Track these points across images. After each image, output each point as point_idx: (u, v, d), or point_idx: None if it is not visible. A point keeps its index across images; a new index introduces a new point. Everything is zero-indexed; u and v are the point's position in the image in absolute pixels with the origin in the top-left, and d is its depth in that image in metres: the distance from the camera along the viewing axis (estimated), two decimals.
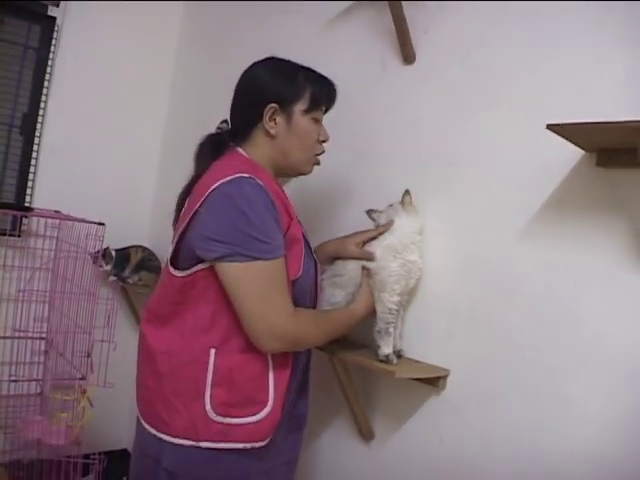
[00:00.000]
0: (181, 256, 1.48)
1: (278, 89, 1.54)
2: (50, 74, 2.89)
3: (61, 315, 2.59)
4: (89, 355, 2.41)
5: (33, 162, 2.87)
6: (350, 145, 2.09)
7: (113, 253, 2.77)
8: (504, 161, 1.64)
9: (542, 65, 1.58)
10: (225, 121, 1.66)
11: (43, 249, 2.81)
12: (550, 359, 1.48)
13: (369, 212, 1.79)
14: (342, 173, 2.11)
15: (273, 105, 1.52)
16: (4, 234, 2.69)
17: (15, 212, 2.64)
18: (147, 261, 2.88)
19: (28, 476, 2.64)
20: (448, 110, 1.81)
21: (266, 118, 1.53)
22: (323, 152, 1.64)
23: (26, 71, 2.88)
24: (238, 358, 1.44)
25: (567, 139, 1.34)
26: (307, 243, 1.64)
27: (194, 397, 1.42)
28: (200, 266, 1.43)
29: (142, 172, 3.27)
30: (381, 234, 1.72)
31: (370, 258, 1.70)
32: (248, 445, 1.43)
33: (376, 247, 1.71)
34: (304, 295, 1.55)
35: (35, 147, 2.88)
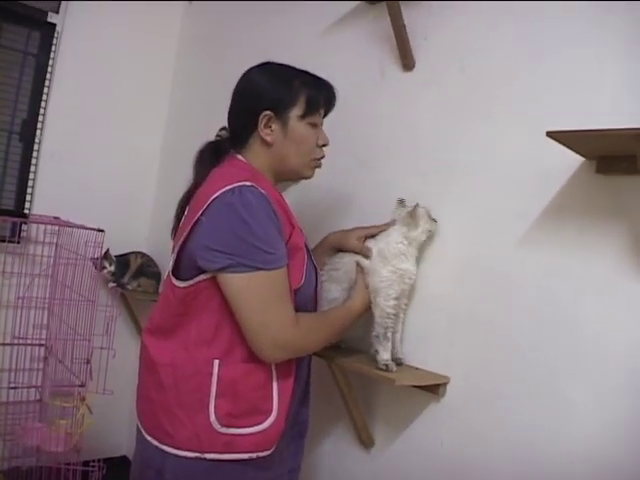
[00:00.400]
0: (183, 266, 1.46)
1: (272, 96, 1.52)
2: (50, 80, 2.89)
3: (60, 322, 2.59)
4: (88, 362, 2.41)
5: (32, 168, 2.87)
6: (349, 151, 2.09)
7: (114, 257, 2.77)
8: (504, 167, 1.64)
9: (541, 71, 1.58)
10: (224, 128, 1.65)
11: (42, 256, 2.81)
12: (550, 363, 1.48)
13: (400, 201, 1.74)
14: (341, 179, 2.11)
15: (268, 112, 1.51)
16: (3, 240, 2.68)
17: (14, 218, 2.64)
18: (146, 267, 2.88)
19: None
20: (447, 116, 1.81)
21: (261, 126, 1.51)
22: (323, 156, 1.63)
23: (26, 77, 2.88)
24: (242, 368, 1.43)
25: (567, 146, 1.34)
26: (308, 250, 1.64)
27: (198, 409, 1.41)
28: (202, 277, 1.42)
29: (142, 178, 3.26)
30: (380, 232, 1.73)
31: (367, 254, 1.70)
32: (254, 455, 1.42)
33: (373, 245, 1.71)
34: (306, 303, 1.55)
35: (34, 153, 2.87)
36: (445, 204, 1.76)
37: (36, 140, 2.87)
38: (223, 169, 1.51)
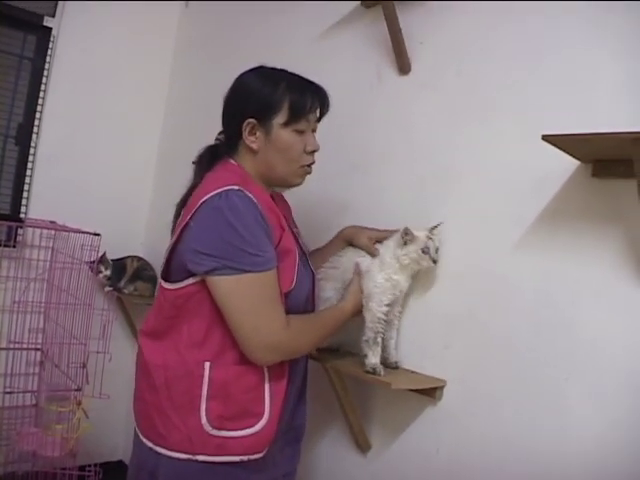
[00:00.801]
0: (173, 269, 1.47)
1: (255, 103, 1.50)
2: (45, 84, 2.89)
3: (56, 326, 2.59)
4: (84, 366, 2.41)
5: (28, 172, 2.86)
6: (345, 155, 2.09)
7: (110, 260, 2.76)
8: (500, 171, 1.64)
9: (538, 75, 1.58)
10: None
11: (38, 260, 2.80)
12: (547, 366, 1.48)
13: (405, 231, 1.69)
14: (337, 183, 2.11)
15: (251, 120, 1.50)
16: None
17: (10, 222, 2.63)
18: (142, 271, 2.88)
19: None
20: (443, 120, 1.81)
21: (245, 133, 1.51)
22: (312, 163, 1.59)
23: (21, 81, 2.87)
24: (233, 371, 1.43)
25: (563, 150, 1.35)
26: (304, 254, 1.64)
27: (190, 410, 1.41)
28: (191, 280, 1.43)
29: (138, 182, 3.26)
30: (386, 239, 1.74)
31: (375, 254, 1.71)
32: (245, 457, 1.42)
33: (380, 248, 1.72)
34: (298, 306, 1.54)
35: (30, 157, 2.86)
36: (441, 208, 1.76)
37: (32, 144, 2.87)
38: (216, 173, 1.51)
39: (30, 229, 2.78)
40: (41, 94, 2.88)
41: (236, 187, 1.39)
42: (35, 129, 2.87)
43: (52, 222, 2.78)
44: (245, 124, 1.50)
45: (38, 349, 2.76)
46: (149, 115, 3.29)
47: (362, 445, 1.89)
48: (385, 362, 1.69)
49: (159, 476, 1.44)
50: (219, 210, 1.36)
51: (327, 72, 2.16)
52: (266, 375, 1.46)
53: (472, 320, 1.65)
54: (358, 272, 1.71)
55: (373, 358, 1.64)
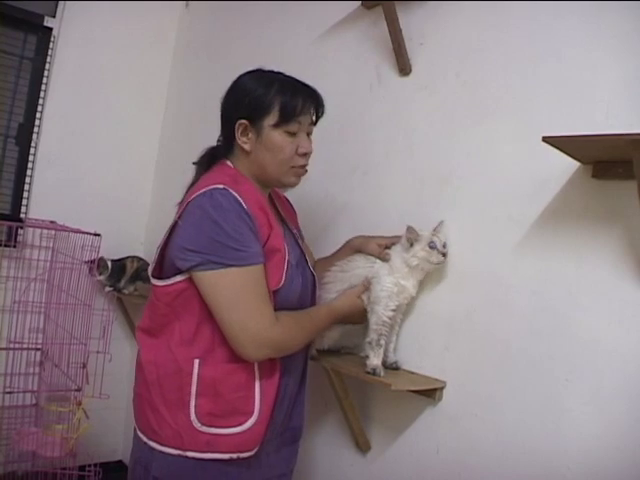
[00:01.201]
0: (165, 267, 1.50)
1: (247, 105, 1.51)
2: (46, 84, 2.89)
3: (56, 326, 2.59)
4: (84, 366, 2.41)
5: (29, 172, 2.86)
6: (345, 156, 2.09)
7: (109, 263, 2.76)
8: (500, 173, 1.65)
9: (537, 77, 1.58)
10: None
11: (39, 260, 2.81)
12: (546, 368, 1.48)
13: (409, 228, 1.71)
14: (337, 184, 2.11)
15: (242, 121, 1.52)
16: None
17: (11, 223, 2.64)
18: (142, 271, 2.87)
19: None
20: (444, 122, 1.81)
21: (237, 134, 1.53)
22: (304, 165, 1.58)
23: (22, 81, 2.88)
24: (222, 369, 1.44)
25: (563, 151, 1.35)
26: (303, 256, 1.66)
27: (180, 407, 1.43)
28: (179, 277, 1.45)
29: (138, 182, 3.26)
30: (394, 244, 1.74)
31: (386, 259, 1.71)
32: (234, 455, 1.43)
33: (390, 252, 1.73)
34: (289, 306, 1.54)
35: (31, 157, 2.87)
36: (441, 209, 1.76)
37: (32, 144, 2.87)
38: (209, 174, 1.54)
39: (30, 229, 2.79)
40: (41, 94, 2.88)
41: (221, 186, 1.41)
42: (35, 129, 2.88)
43: (52, 222, 2.78)
44: (237, 125, 1.52)
45: (38, 349, 2.76)
46: (149, 115, 3.29)
47: (362, 445, 1.90)
48: (383, 364, 1.69)
49: (152, 470, 1.46)
50: (203, 208, 1.40)
51: (327, 73, 2.17)
52: (257, 374, 1.47)
53: (472, 321, 1.65)
54: (364, 284, 1.71)
55: (375, 360, 1.65)
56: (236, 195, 1.41)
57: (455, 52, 1.81)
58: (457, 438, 1.66)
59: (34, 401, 2.75)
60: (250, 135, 1.53)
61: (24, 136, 2.86)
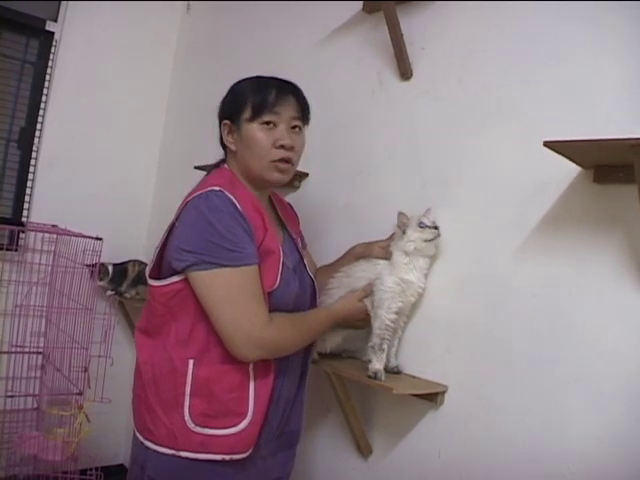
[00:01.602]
0: (163, 268, 1.51)
1: (227, 105, 1.58)
2: (48, 88, 2.90)
3: (58, 330, 2.59)
4: (86, 370, 2.41)
5: (30, 176, 2.87)
6: (347, 160, 2.10)
7: (110, 268, 2.76)
8: (501, 177, 1.65)
9: (538, 82, 1.59)
10: None
11: (40, 264, 2.81)
12: (548, 372, 1.48)
13: (400, 213, 1.73)
14: (338, 187, 2.11)
15: (226, 122, 1.56)
16: (1, 248, 2.67)
17: (12, 227, 2.64)
18: (144, 275, 2.84)
19: None
20: (445, 126, 1.82)
21: (224, 135, 1.58)
22: (284, 158, 1.53)
23: (24, 85, 2.88)
24: (217, 369, 1.45)
25: (564, 156, 1.35)
26: (302, 260, 1.66)
27: (174, 407, 1.44)
28: (175, 278, 1.46)
29: (140, 186, 3.27)
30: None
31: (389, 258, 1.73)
32: (227, 457, 1.44)
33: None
34: (284, 308, 1.53)
35: (32, 161, 2.88)
36: (443, 213, 1.76)
37: (34, 148, 2.88)
38: (208, 177, 1.57)
39: (32, 233, 2.79)
40: (43, 98, 2.89)
41: (217, 188, 1.43)
42: (37, 133, 2.89)
43: (54, 226, 2.79)
44: (222, 126, 1.57)
45: (40, 353, 2.76)
46: (151, 119, 3.30)
47: (363, 449, 1.90)
48: (385, 368, 1.69)
49: (147, 470, 1.47)
50: (198, 209, 1.41)
51: (329, 77, 2.18)
52: (251, 375, 1.47)
53: (473, 325, 1.65)
54: (365, 288, 1.71)
55: (377, 364, 1.65)
56: (231, 197, 1.42)
57: (456, 57, 1.81)
58: (459, 442, 1.66)
59: (35, 405, 2.76)
60: (235, 135, 1.56)
61: (26, 140, 2.87)
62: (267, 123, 1.51)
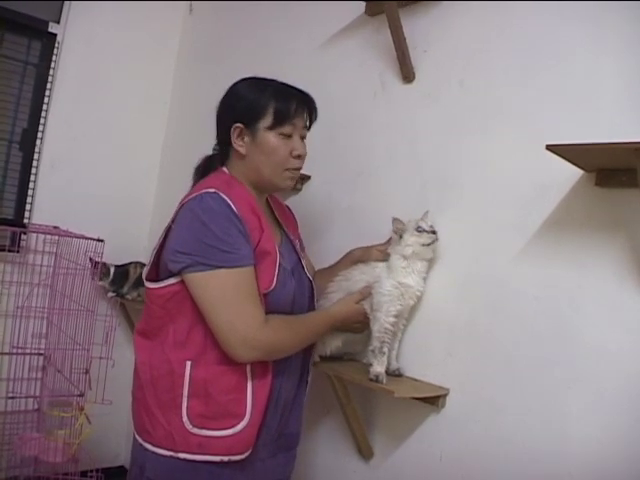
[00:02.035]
0: (160, 270, 1.51)
1: (242, 109, 1.55)
2: (50, 90, 2.90)
3: (59, 331, 2.59)
4: (87, 372, 2.41)
5: (32, 178, 2.87)
6: (348, 162, 2.10)
7: (111, 269, 2.76)
8: (503, 180, 1.65)
9: (540, 85, 1.59)
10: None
11: (42, 265, 2.80)
12: (549, 374, 1.48)
13: (395, 219, 1.74)
14: (340, 189, 2.11)
15: (238, 125, 1.55)
16: (3, 250, 2.68)
17: (14, 228, 2.64)
18: None
19: None
20: (447, 129, 1.82)
21: (233, 138, 1.56)
22: (298, 168, 1.60)
23: (26, 87, 2.88)
24: (214, 370, 1.45)
25: (566, 159, 1.35)
26: (300, 262, 1.67)
27: (172, 408, 1.45)
28: (172, 280, 1.47)
29: (142, 188, 3.27)
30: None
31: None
32: (225, 458, 1.44)
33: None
34: (281, 310, 1.54)
35: (34, 163, 2.87)
36: (444, 217, 1.76)
37: (36, 150, 2.88)
38: (205, 179, 1.56)
39: (34, 234, 2.78)
40: (45, 100, 2.89)
41: (212, 190, 1.44)
42: (39, 135, 2.88)
43: (55, 227, 2.78)
44: (233, 129, 1.55)
45: (41, 354, 2.76)
46: (152, 121, 3.30)
47: (365, 452, 1.89)
48: (386, 371, 1.69)
49: (146, 471, 1.47)
50: (193, 211, 1.42)
51: (331, 80, 2.18)
52: (249, 377, 1.47)
53: (474, 328, 1.65)
54: (362, 291, 1.71)
55: (378, 367, 1.65)
56: (226, 198, 1.43)
57: (459, 59, 1.81)
58: (460, 445, 1.66)
59: (36, 406, 2.75)
60: (245, 139, 1.55)
61: (28, 141, 2.87)
62: (286, 135, 1.55)
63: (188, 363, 1.45)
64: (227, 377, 1.46)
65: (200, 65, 3.17)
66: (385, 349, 1.67)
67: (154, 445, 1.46)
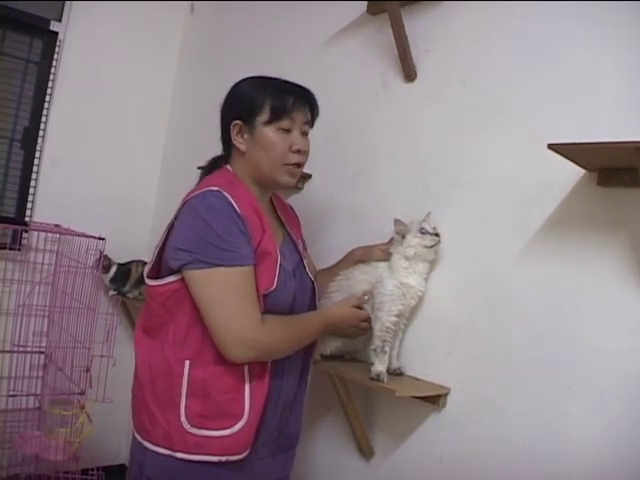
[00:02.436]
0: (162, 268, 1.51)
1: (240, 105, 1.56)
2: (51, 88, 2.90)
3: (60, 329, 2.59)
4: (88, 370, 2.41)
5: (34, 176, 2.87)
6: (350, 161, 2.10)
7: (114, 267, 2.77)
8: (504, 180, 1.65)
9: (542, 84, 1.59)
10: None
11: (43, 263, 2.81)
12: (549, 375, 1.48)
13: (396, 220, 1.74)
14: (342, 189, 2.11)
15: (237, 122, 1.55)
16: (4, 248, 2.68)
17: (15, 226, 2.64)
18: None
19: None
20: (448, 128, 1.82)
21: (233, 135, 1.57)
22: (298, 163, 1.57)
23: (28, 85, 2.88)
24: (212, 370, 1.45)
25: (568, 159, 1.35)
26: (302, 262, 1.66)
27: (170, 407, 1.44)
28: (172, 277, 1.47)
29: (143, 186, 3.27)
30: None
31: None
32: (223, 458, 1.43)
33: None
34: (281, 309, 1.53)
35: (36, 161, 2.88)
36: (445, 216, 1.76)
37: (37, 148, 2.88)
38: (208, 177, 1.57)
39: (35, 232, 2.79)
40: (47, 98, 2.89)
41: (215, 188, 1.44)
42: (41, 133, 2.88)
43: (57, 226, 2.79)
44: (232, 126, 1.56)
45: (42, 352, 2.76)
46: (154, 119, 3.30)
47: (365, 451, 1.89)
48: (387, 370, 1.69)
49: (145, 470, 1.47)
50: (195, 209, 1.42)
51: (332, 79, 2.18)
52: (247, 377, 1.47)
53: (475, 328, 1.65)
54: (359, 297, 1.71)
55: (379, 366, 1.65)
56: (229, 197, 1.43)
57: (461, 59, 1.81)
58: (461, 444, 1.66)
59: (37, 404, 2.75)
60: (245, 135, 1.56)
61: (29, 140, 2.87)
62: (285, 129, 1.54)
63: (186, 362, 1.45)
64: (225, 377, 1.45)
65: (201, 64, 3.17)
66: (386, 348, 1.67)
67: (153, 444, 1.46)
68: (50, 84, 2.89)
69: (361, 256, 1.82)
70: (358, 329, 1.71)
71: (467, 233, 1.72)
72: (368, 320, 1.71)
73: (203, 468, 1.43)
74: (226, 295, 1.40)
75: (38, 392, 2.76)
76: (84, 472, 2.53)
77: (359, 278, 1.74)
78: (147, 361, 1.51)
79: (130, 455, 1.59)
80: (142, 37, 3.19)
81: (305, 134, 1.60)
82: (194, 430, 1.42)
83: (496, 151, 1.68)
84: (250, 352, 1.43)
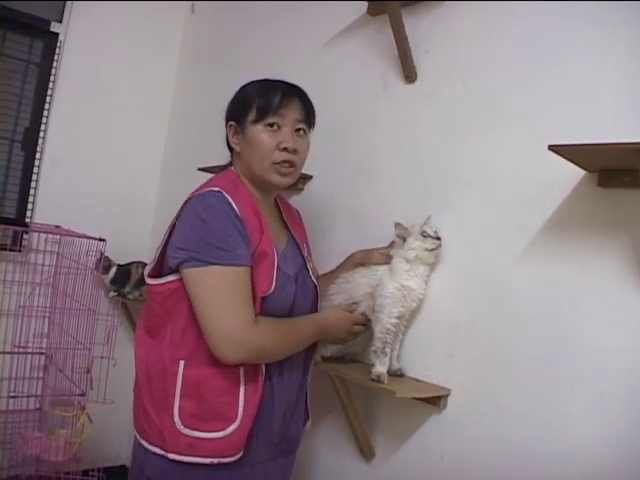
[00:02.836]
0: (163, 268, 1.51)
1: (233, 107, 1.59)
2: (52, 89, 2.90)
3: (61, 331, 2.59)
4: (89, 371, 2.41)
5: (34, 177, 2.87)
6: (351, 162, 2.10)
7: (113, 268, 2.77)
8: (505, 181, 1.65)
9: (542, 85, 1.59)
10: None
11: (43, 264, 2.81)
12: (550, 375, 1.48)
13: (397, 224, 1.74)
14: (342, 189, 2.11)
15: (231, 123, 1.57)
16: (5, 249, 2.69)
17: (16, 227, 2.64)
18: None
19: None
20: (449, 129, 1.82)
21: (230, 136, 1.59)
22: (287, 161, 1.52)
23: (28, 86, 2.89)
24: (206, 371, 1.44)
25: (568, 160, 1.35)
26: (305, 265, 1.66)
27: (164, 407, 1.44)
28: (171, 277, 1.47)
29: (143, 188, 3.27)
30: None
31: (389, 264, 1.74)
32: (215, 460, 1.42)
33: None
34: (280, 312, 1.53)
35: (36, 162, 2.88)
36: (446, 216, 1.76)
37: (38, 149, 2.88)
38: (212, 178, 1.57)
39: (35, 234, 2.79)
40: (47, 99, 2.89)
41: (216, 189, 1.44)
42: (41, 134, 2.89)
43: (57, 227, 2.79)
44: (229, 127, 1.58)
45: (42, 354, 2.77)
46: (154, 120, 3.30)
47: (366, 453, 1.89)
48: (388, 371, 1.69)
49: (145, 470, 1.47)
50: (195, 209, 1.43)
51: (333, 80, 2.18)
52: (241, 380, 1.46)
53: (476, 329, 1.65)
54: (351, 306, 1.72)
55: (380, 367, 1.65)
56: (228, 198, 1.43)
57: (461, 59, 1.81)
58: (462, 445, 1.66)
59: (38, 405, 2.75)
60: (239, 136, 1.57)
61: (30, 141, 2.87)
62: (271, 125, 1.51)
63: (181, 362, 1.45)
64: (219, 379, 1.44)
65: (202, 65, 3.17)
66: (387, 350, 1.67)
67: (150, 443, 1.46)
68: (50, 85, 2.90)
69: (361, 259, 1.83)
70: (349, 333, 1.70)
71: (467, 233, 1.72)
72: (361, 323, 1.71)
73: (203, 469, 1.42)
74: (219, 293, 1.40)
75: (39, 393, 2.76)
76: (85, 473, 2.53)
77: (359, 281, 1.74)
78: (145, 361, 1.51)
79: (132, 455, 1.58)
80: (142, 37, 3.19)
81: (300, 132, 1.57)
82: (187, 431, 1.41)
83: (497, 151, 1.68)
84: (240, 352, 1.41)
